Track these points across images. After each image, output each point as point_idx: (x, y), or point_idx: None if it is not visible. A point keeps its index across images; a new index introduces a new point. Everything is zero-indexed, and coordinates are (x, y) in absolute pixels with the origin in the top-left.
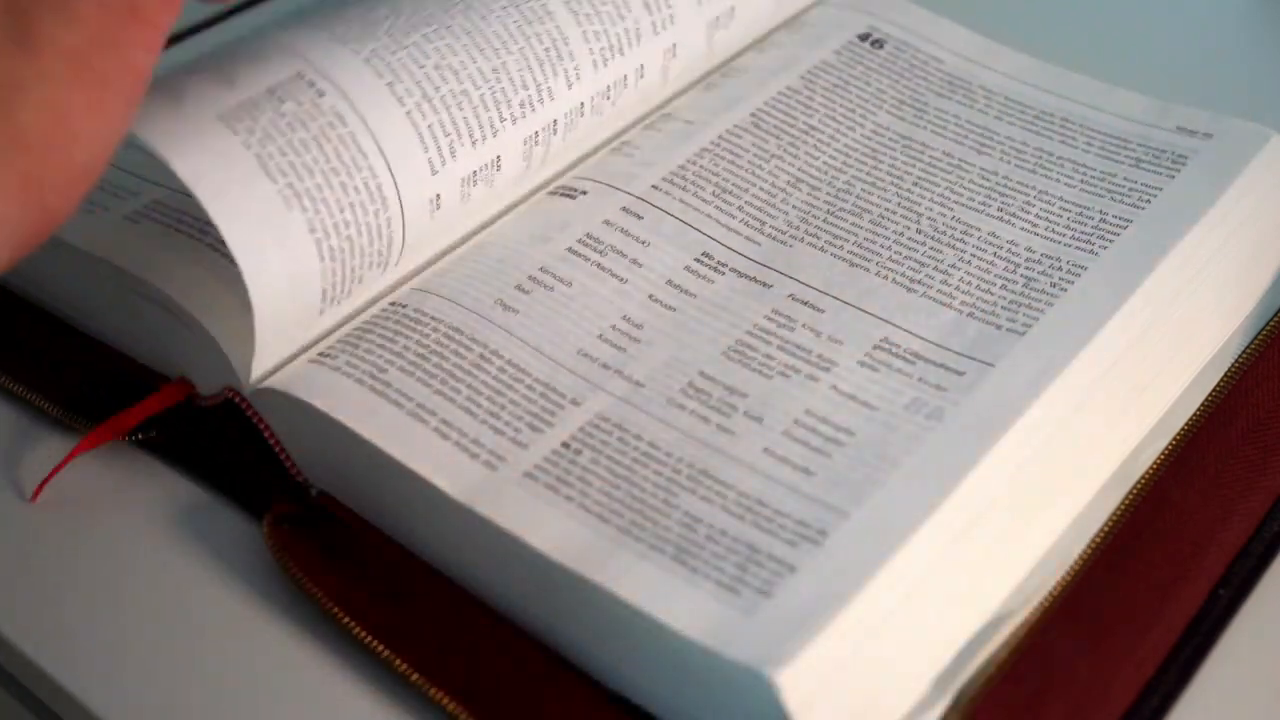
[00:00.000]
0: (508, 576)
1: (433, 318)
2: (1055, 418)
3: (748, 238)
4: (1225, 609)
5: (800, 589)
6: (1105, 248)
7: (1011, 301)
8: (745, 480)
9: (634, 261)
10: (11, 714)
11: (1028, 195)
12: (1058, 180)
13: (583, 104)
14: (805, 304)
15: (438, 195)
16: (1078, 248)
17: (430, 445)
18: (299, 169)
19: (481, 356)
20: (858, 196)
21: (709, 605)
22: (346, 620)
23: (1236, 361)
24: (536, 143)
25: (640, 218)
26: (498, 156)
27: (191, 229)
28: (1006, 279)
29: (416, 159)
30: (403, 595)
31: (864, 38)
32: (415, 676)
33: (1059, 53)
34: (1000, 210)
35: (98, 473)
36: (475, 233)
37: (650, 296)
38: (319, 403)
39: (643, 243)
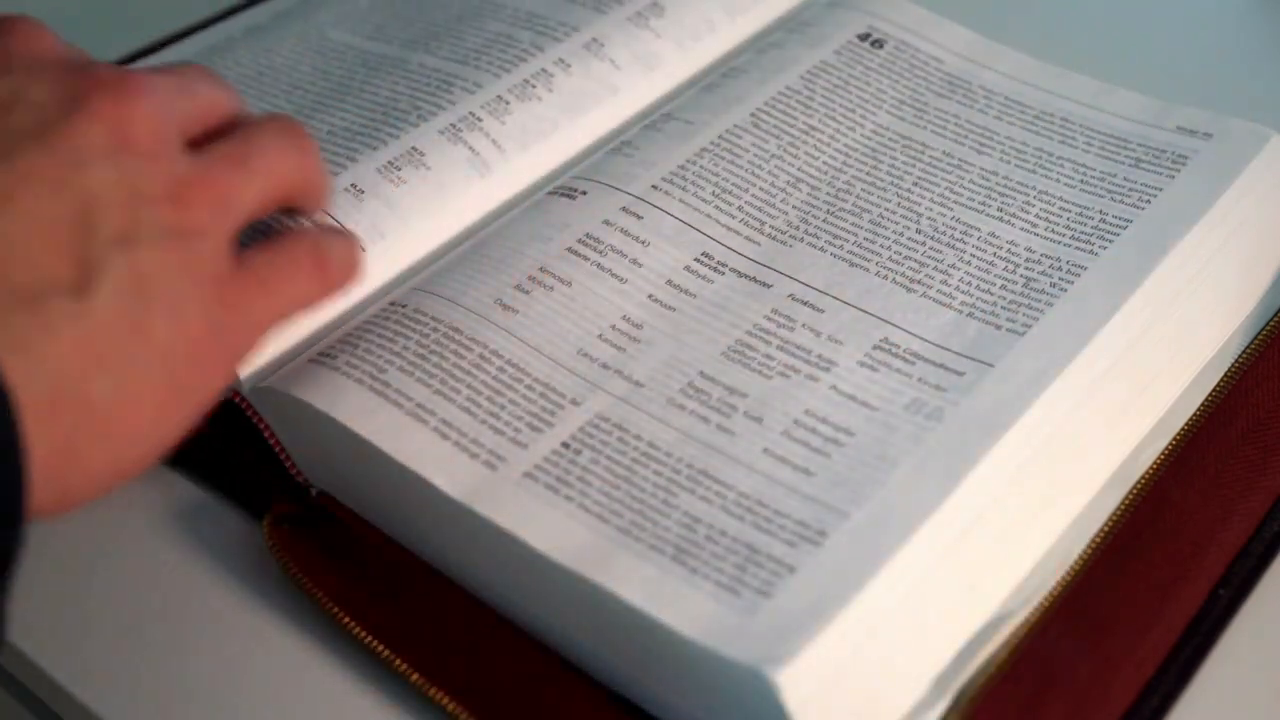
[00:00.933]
0: (507, 576)
1: (432, 317)
2: (1055, 418)
3: (747, 238)
4: (1225, 609)
5: (800, 589)
6: (1105, 248)
7: (1011, 302)
8: (745, 480)
9: (634, 261)
10: (11, 714)
11: (1028, 195)
12: (1058, 180)
13: None
14: (805, 304)
15: None
16: (1077, 248)
17: (430, 445)
18: None
19: (481, 356)
20: (858, 196)
21: (709, 605)
22: (346, 620)
23: (1236, 361)
24: None
25: (640, 218)
26: None
27: None
28: (1006, 279)
29: None
30: (403, 595)
31: (864, 38)
32: (415, 676)
33: (1059, 53)
34: (1000, 210)
35: None
36: (475, 232)
37: (650, 296)
38: (319, 403)
39: (642, 243)
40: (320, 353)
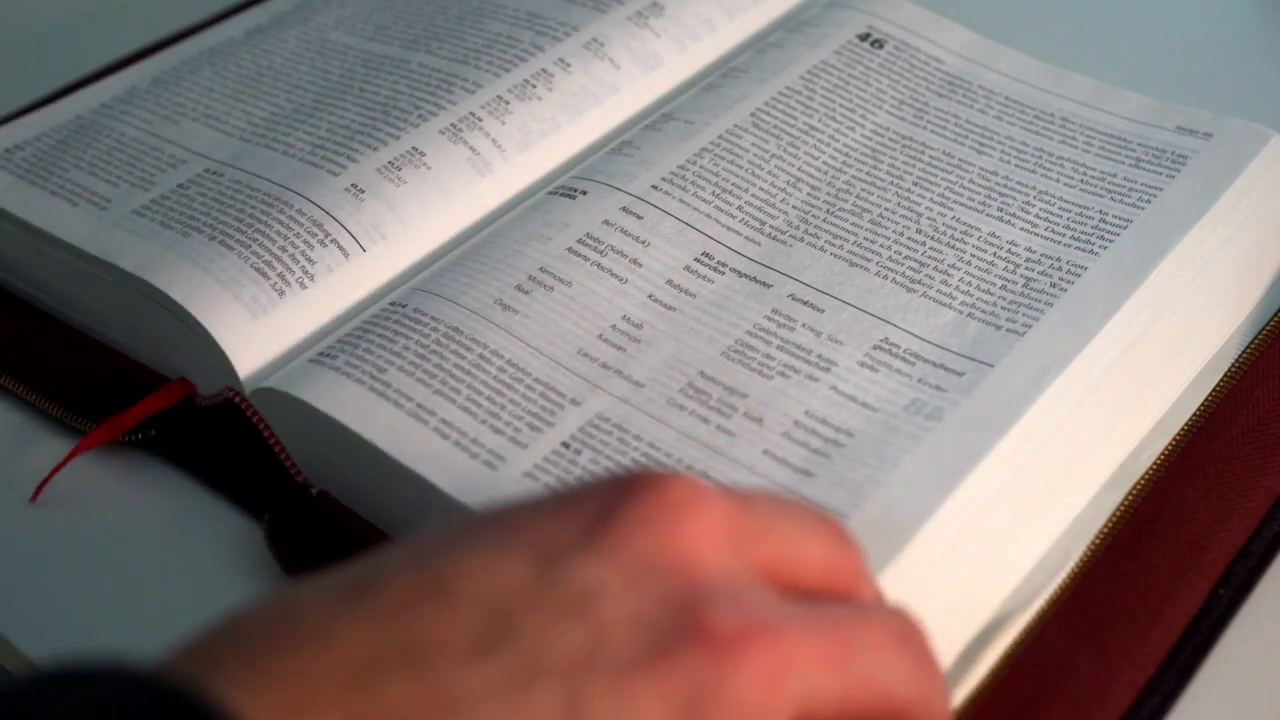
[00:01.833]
0: None
1: (432, 317)
2: (1055, 418)
3: (747, 237)
4: (1225, 609)
5: None
6: (1105, 248)
7: (1011, 302)
8: (745, 481)
9: (634, 261)
10: None
11: (1028, 195)
12: (1058, 180)
13: None
14: (805, 304)
15: None
16: (1077, 248)
17: (430, 445)
18: None
19: (481, 356)
20: (857, 196)
21: None
22: None
23: (1236, 361)
24: None
25: (640, 217)
26: None
27: (192, 229)
28: (1006, 279)
29: None
30: None
31: (864, 38)
32: None
33: (1059, 53)
34: (1000, 210)
35: (98, 473)
36: (475, 232)
37: (650, 296)
38: (319, 403)
39: (642, 242)
40: (320, 353)
